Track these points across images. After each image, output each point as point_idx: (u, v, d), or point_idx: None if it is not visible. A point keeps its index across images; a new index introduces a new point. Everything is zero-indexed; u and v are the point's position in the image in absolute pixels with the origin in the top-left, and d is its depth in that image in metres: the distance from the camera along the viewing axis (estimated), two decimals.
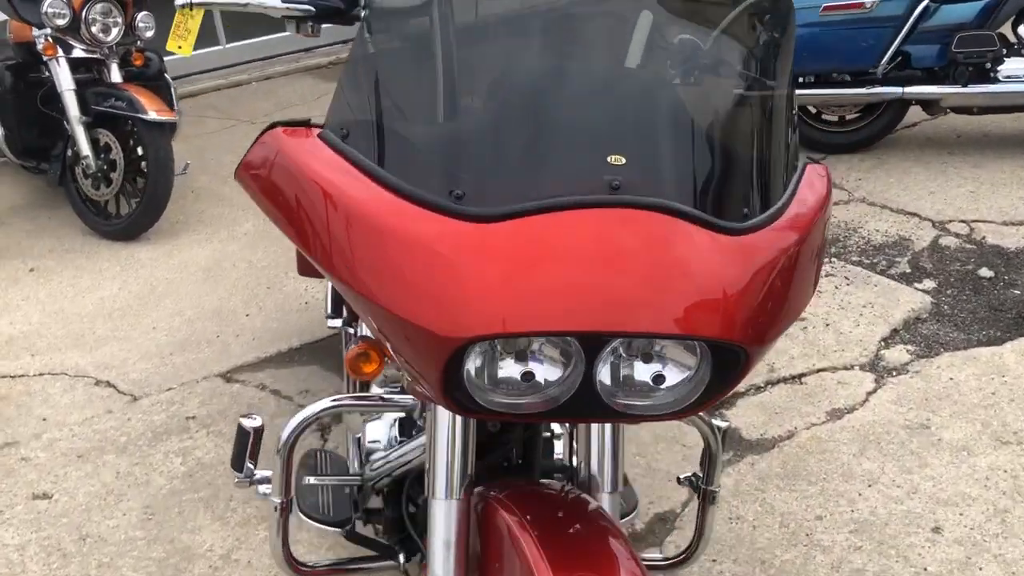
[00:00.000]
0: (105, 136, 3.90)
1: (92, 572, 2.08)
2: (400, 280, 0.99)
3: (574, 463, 1.36)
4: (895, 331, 2.91)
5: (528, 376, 1.02)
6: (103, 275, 3.65)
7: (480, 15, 1.16)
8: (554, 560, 1.09)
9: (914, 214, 3.70)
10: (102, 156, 3.91)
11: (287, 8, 1.35)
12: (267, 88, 6.13)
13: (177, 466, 2.43)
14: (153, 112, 3.66)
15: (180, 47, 1.51)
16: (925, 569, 1.99)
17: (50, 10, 3.72)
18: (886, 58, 4.01)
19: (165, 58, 4.33)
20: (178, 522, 2.22)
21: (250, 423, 1.41)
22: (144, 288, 3.51)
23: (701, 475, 1.54)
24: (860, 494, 2.21)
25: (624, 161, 1.01)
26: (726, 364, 1.02)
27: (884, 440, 2.39)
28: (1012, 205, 3.69)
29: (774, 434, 2.45)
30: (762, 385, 2.66)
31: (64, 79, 3.82)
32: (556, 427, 1.53)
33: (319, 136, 1.14)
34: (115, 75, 3.90)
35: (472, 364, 1.01)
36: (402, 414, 1.61)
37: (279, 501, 1.41)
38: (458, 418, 1.22)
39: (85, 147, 3.86)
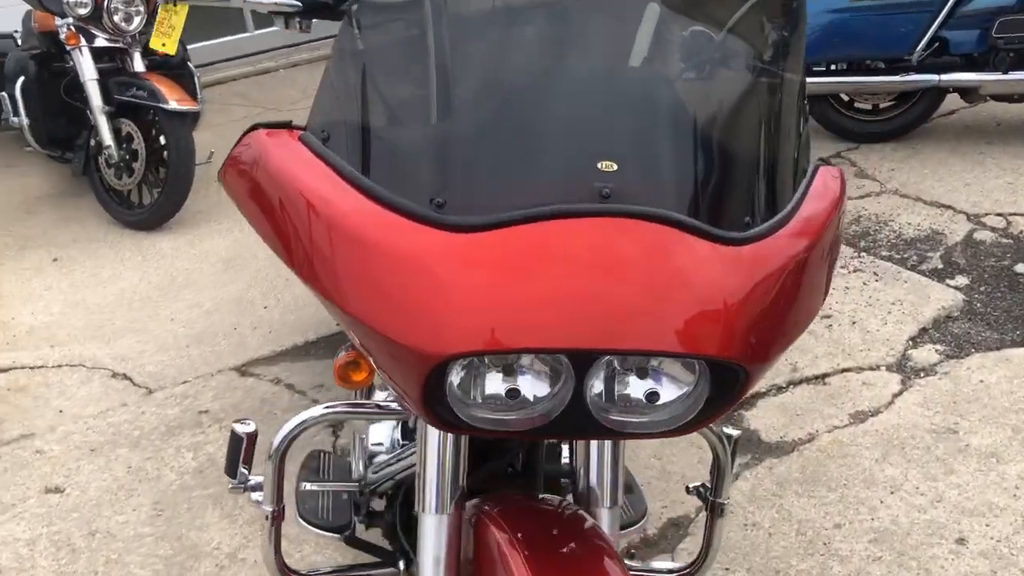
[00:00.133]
0: (127, 126, 3.91)
1: (100, 568, 2.08)
2: (376, 291, 0.95)
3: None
4: (924, 330, 2.81)
5: (514, 393, 0.98)
6: (125, 265, 3.66)
7: (469, 12, 1.11)
8: None
9: (948, 207, 3.58)
10: (124, 146, 3.92)
11: (274, 4, 1.31)
12: (293, 75, 6.13)
13: (188, 461, 2.42)
14: (174, 102, 3.66)
15: (164, 44, 1.48)
16: None
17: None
18: (922, 44, 3.89)
19: (189, 46, 4.33)
20: (187, 519, 2.21)
21: (243, 428, 1.38)
22: (164, 279, 3.51)
23: (710, 486, 1.48)
24: (882, 502, 2.13)
25: (615, 167, 0.95)
26: (725, 381, 0.97)
27: (909, 445, 2.31)
28: None
29: (794, 437, 2.37)
30: (784, 385, 2.58)
31: (87, 68, 3.83)
32: None
33: (300, 139, 1.09)
34: (138, 64, 3.90)
35: (455, 378, 0.97)
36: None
37: (271, 510, 1.38)
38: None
39: (108, 137, 3.88)
